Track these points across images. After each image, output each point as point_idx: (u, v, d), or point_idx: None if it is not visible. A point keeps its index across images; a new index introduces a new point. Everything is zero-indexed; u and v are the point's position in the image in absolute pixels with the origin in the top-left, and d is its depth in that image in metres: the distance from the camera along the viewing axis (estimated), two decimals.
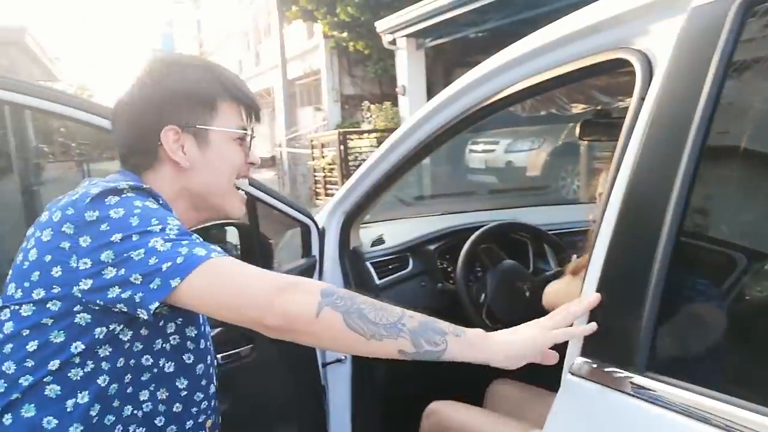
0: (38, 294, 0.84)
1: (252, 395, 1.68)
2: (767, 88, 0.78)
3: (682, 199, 0.77)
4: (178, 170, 0.97)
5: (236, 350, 1.63)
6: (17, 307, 0.85)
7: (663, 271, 0.78)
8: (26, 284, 0.85)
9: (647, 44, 0.91)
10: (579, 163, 6.92)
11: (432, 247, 2.08)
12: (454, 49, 12.30)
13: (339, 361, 1.93)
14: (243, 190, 1.03)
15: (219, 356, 1.60)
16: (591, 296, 0.86)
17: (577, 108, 1.62)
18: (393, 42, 11.14)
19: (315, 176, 11.76)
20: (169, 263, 0.79)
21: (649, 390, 0.77)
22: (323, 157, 11.37)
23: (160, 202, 0.92)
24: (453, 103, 1.35)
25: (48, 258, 0.83)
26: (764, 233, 0.77)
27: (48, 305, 0.84)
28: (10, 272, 0.89)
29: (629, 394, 0.79)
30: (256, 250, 1.76)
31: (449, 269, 2.08)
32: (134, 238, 0.81)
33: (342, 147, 10.68)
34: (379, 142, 11.00)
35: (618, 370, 0.81)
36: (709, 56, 0.76)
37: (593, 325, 0.85)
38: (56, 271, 0.83)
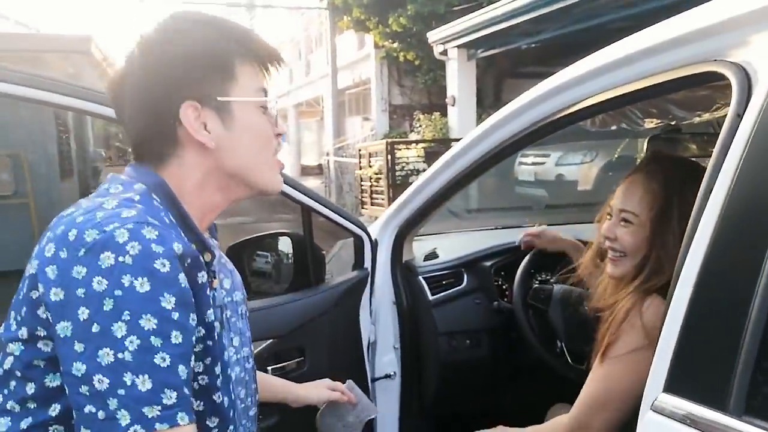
0: (23, 334, 0.75)
1: (301, 409, 1.65)
2: None
3: None
4: (203, 152, 0.84)
5: (286, 363, 1.61)
6: (12, 343, 0.76)
7: (764, 301, 0.71)
8: (18, 318, 0.76)
9: (745, 57, 0.84)
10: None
11: (488, 263, 2.01)
12: (505, 60, 12.16)
13: (388, 376, 1.89)
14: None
15: (269, 368, 1.59)
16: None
17: (651, 123, 1.53)
18: (444, 52, 11.11)
19: (361, 185, 11.79)
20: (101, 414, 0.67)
21: None
22: (370, 166, 11.39)
23: (168, 220, 0.80)
24: (519, 117, 1.30)
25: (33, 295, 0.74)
26: None
27: (39, 345, 0.74)
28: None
29: None
30: (309, 261, 1.74)
31: (505, 287, 2.01)
32: (94, 328, 0.68)
33: (389, 157, 10.67)
34: (427, 153, 11.00)
35: (710, 411, 0.74)
36: None
37: None
38: (42, 312, 0.73)
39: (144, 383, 0.67)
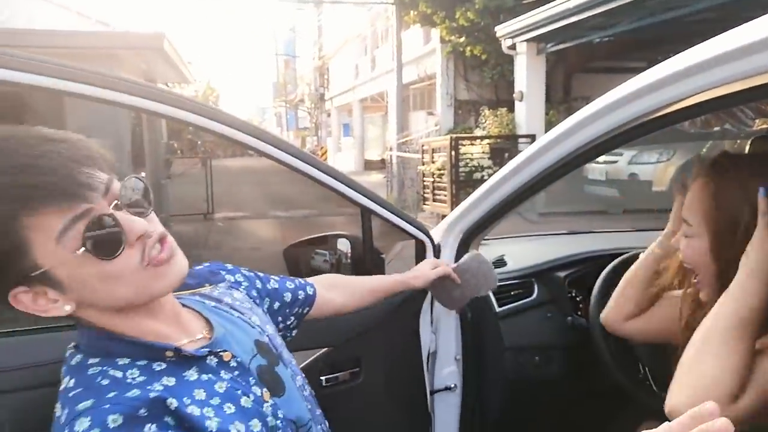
0: None
1: (354, 420, 1.58)
2: None
3: None
4: (81, 306, 0.77)
5: (341, 372, 1.54)
6: None
7: None
8: None
9: None
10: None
11: (561, 274, 1.86)
12: (576, 55, 11.73)
13: (448, 389, 1.78)
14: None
15: (326, 377, 1.52)
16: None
17: (763, 124, 1.35)
18: (512, 47, 10.82)
19: (424, 181, 11.67)
20: None
21: None
22: (433, 162, 11.25)
23: (115, 371, 0.76)
24: (605, 116, 1.15)
25: None
26: None
27: None
28: None
29: None
30: (367, 262, 1.66)
31: (579, 300, 1.85)
32: None
33: (453, 153, 10.50)
34: (492, 149, 10.75)
35: None
36: None
37: None
38: None
39: None
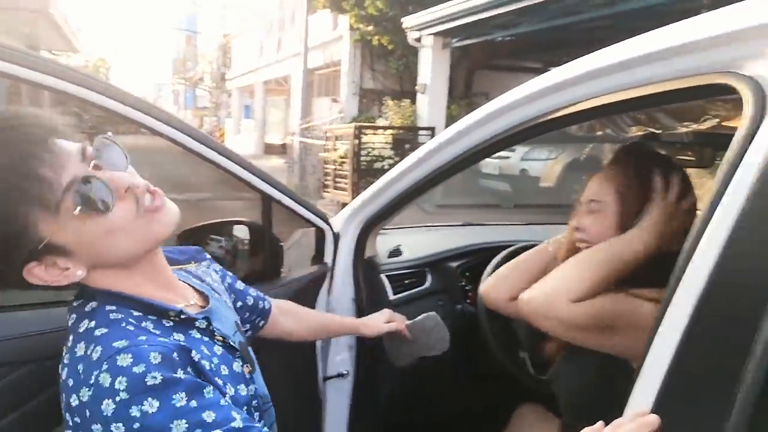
0: None
1: None
2: None
3: None
4: (89, 271, 0.82)
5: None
6: None
7: (764, 348, 0.63)
8: None
9: (760, 70, 0.76)
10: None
11: (454, 264, 1.93)
12: (479, 52, 12.12)
13: (341, 375, 1.80)
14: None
15: None
16: (645, 420, 0.72)
17: (638, 130, 1.47)
18: (418, 39, 10.98)
19: (325, 168, 11.63)
20: None
21: None
22: (336, 149, 11.23)
23: (132, 320, 0.82)
24: (504, 115, 1.20)
25: None
26: None
27: None
28: None
29: None
30: (266, 251, 1.63)
31: (468, 288, 1.94)
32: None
33: (356, 141, 10.54)
34: (394, 140, 10.89)
35: None
36: None
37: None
38: None
39: None
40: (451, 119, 11.30)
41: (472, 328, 1.79)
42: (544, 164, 9.40)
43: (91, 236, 0.79)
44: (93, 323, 0.80)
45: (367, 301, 1.78)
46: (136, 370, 0.73)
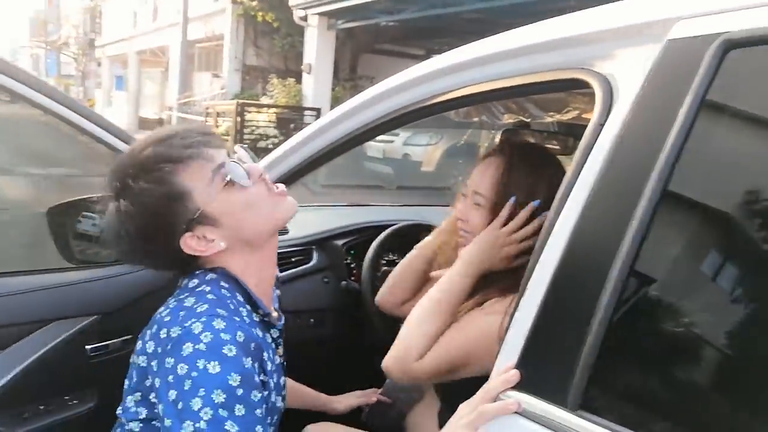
0: (142, 414, 0.98)
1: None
2: (740, 133, 0.76)
3: (638, 238, 0.74)
4: (223, 249, 1.00)
5: (111, 341, 1.45)
6: (133, 422, 1.00)
7: (609, 310, 0.74)
8: (135, 402, 0.99)
9: (610, 69, 0.87)
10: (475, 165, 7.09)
11: (340, 242, 1.98)
12: (364, 35, 12.22)
13: None
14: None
15: (94, 346, 1.43)
16: (508, 376, 0.83)
17: (510, 118, 1.59)
18: (304, 18, 10.86)
19: None
20: None
21: (580, 429, 0.74)
22: (217, 126, 10.86)
23: (235, 302, 0.98)
24: (387, 100, 1.26)
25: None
26: (715, 280, 0.75)
27: (155, 423, 0.96)
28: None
29: None
30: None
31: (353, 266, 2.00)
32: (179, 406, 0.86)
33: (239, 119, 10.26)
34: (279, 119, 10.72)
35: (551, 406, 0.77)
36: (684, 92, 0.73)
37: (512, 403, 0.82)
38: (153, 397, 0.95)
39: None
40: (335, 101, 11.33)
41: (357, 304, 1.85)
42: (424, 149, 9.73)
43: (234, 207, 0.98)
44: (208, 288, 0.98)
45: None
46: (223, 336, 0.88)
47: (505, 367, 0.85)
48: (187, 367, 0.86)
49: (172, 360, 0.88)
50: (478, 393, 0.88)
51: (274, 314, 1.10)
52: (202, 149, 0.97)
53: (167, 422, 0.86)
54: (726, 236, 0.78)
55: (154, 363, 0.92)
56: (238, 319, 0.94)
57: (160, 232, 0.96)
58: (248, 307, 1.01)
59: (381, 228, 1.93)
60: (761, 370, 0.70)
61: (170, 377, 0.87)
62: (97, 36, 26.79)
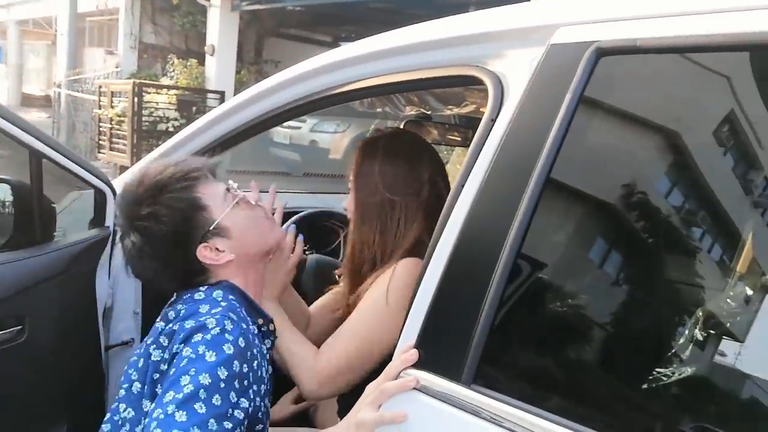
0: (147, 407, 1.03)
1: (17, 381, 1.44)
2: (611, 129, 0.85)
3: (524, 222, 0.81)
4: (231, 260, 1.13)
5: (5, 332, 1.38)
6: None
7: (498, 292, 0.82)
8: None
9: (501, 68, 0.94)
10: None
11: None
12: (269, 18, 11.95)
13: (125, 343, 1.75)
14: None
15: None
16: (408, 355, 0.89)
17: (411, 110, 1.65)
18: None
19: (100, 127, 10.55)
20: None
21: (474, 403, 0.81)
22: (113, 107, 10.23)
23: (242, 312, 1.10)
24: (291, 87, 1.28)
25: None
26: (594, 261, 0.85)
27: None
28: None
29: (455, 406, 0.81)
30: (35, 214, 1.50)
31: None
32: (172, 379, 0.97)
33: (136, 99, 9.71)
34: (180, 101, 10.27)
35: (447, 381, 0.84)
36: (563, 92, 0.81)
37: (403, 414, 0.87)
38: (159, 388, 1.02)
39: (181, 416, 0.92)
40: (240, 84, 11.03)
41: None
42: (332, 137, 9.72)
43: (242, 222, 1.13)
44: (220, 295, 1.11)
45: None
46: (227, 336, 1.00)
47: (405, 347, 0.91)
48: (190, 350, 0.98)
49: (183, 346, 1.00)
50: (382, 374, 0.93)
51: (272, 326, 1.20)
52: (208, 173, 1.15)
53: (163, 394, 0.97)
54: (603, 222, 0.88)
55: (166, 354, 1.03)
56: (245, 326, 1.06)
57: (181, 241, 1.10)
58: (249, 319, 1.11)
59: (287, 215, 1.94)
60: (636, 346, 0.80)
61: (181, 362, 0.99)
62: None
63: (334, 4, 9.14)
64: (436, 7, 8.42)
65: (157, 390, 1.03)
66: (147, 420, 0.95)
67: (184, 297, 1.14)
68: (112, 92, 10.38)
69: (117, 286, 1.71)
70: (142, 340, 1.73)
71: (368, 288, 1.26)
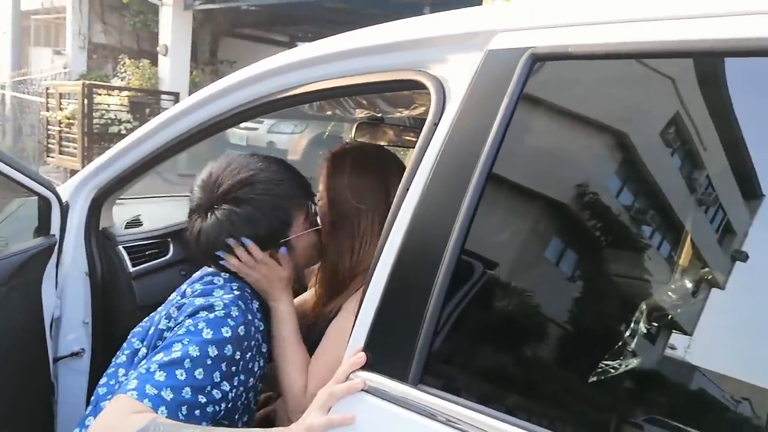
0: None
1: None
2: (546, 131, 0.88)
3: (466, 223, 0.83)
4: None
5: None
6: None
7: (442, 294, 0.83)
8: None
9: (442, 72, 0.96)
10: None
11: None
12: (224, 18, 11.78)
13: (75, 354, 1.71)
14: None
15: None
16: (355, 358, 0.90)
17: (361, 113, 1.66)
18: None
19: (48, 130, 10.21)
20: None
21: (421, 402, 0.82)
22: (61, 109, 9.91)
23: (254, 305, 1.20)
24: (240, 90, 1.27)
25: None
26: (535, 258, 0.87)
27: None
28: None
29: (403, 406, 0.83)
30: None
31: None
32: (165, 343, 1.06)
33: (86, 101, 9.43)
34: (132, 103, 10.03)
35: (394, 382, 0.85)
36: (502, 95, 0.83)
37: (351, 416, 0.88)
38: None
39: (160, 376, 0.98)
40: (194, 85, 10.84)
41: None
42: (290, 137, 9.66)
43: (308, 244, 1.27)
44: (237, 286, 1.17)
45: (102, 274, 1.70)
46: (230, 321, 1.07)
47: (353, 350, 0.92)
48: (191, 322, 1.06)
49: (191, 320, 1.06)
50: (331, 378, 0.94)
51: None
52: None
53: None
54: (543, 219, 0.91)
55: (171, 323, 1.11)
56: (250, 318, 1.12)
57: (270, 234, 1.18)
58: (259, 315, 1.18)
59: None
60: (579, 341, 0.83)
61: (179, 330, 1.05)
62: None
63: (290, 4, 9.08)
64: (392, 6, 8.49)
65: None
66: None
67: (205, 278, 1.21)
68: (60, 94, 10.06)
69: (65, 296, 1.67)
70: (93, 350, 1.71)
71: (344, 303, 1.25)
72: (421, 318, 0.84)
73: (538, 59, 0.83)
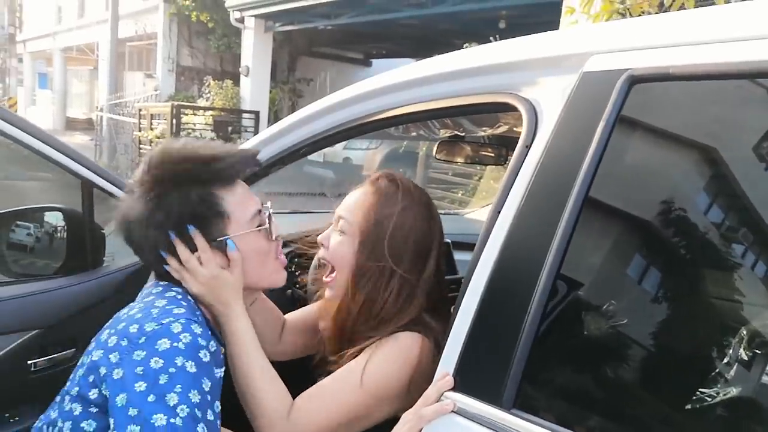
0: (75, 410, 0.94)
1: None
2: (644, 154, 0.86)
3: (563, 246, 0.82)
4: None
5: (54, 355, 1.44)
6: (66, 421, 0.95)
7: (538, 316, 0.83)
8: (69, 398, 0.95)
9: (534, 95, 0.96)
10: (415, 170, 7.25)
11: (285, 250, 2.01)
12: (302, 38, 12.18)
13: None
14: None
15: (35, 361, 1.41)
16: (443, 382, 0.90)
17: (446, 132, 1.68)
18: (241, 20, 10.72)
19: (140, 148, 10.88)
20: None
21: (513, 426, 0.81)
22: (152, 129, 10.55)
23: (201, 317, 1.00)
24: (330, 114, 1.31)
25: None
26: (632, 281, 0.85)
27: (83, 425, 0.93)
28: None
29: (494, 430, 0.83)
30: (86, 240, 1.56)
31: (297, 273, 2.03)
32: (149, 398, 0.85)
33: (174, 121, 10.01)
34: (216, 121, 10.54)
35: (486, 405, 0.85)
36: (598, 117, 0.82)
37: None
38: (94, 393, 0.92)
39: None
40: (273, 103, 11.25)
41: None
42: (365, 153, 9.81)
43: (254, 250, 1.06)
44: (180, 296, 1.00)
45: None
46: (200, 341, 0.91)
47: (441, 374, 0.92)
48: (162, 361, 0.86)
49: (144, 353, 0.87)
50: (418, 401, 0.94)
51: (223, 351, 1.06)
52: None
53: (130, 412, 0.84)
54: (640, 243, 0.89)
55: (113, 355, 0.89)
56: (210, 331, 0.97)
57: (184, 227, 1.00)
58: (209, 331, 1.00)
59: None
60: (681, 368, 0.80)
61: (139, 369, 0.86)
62: (18, 31, 25.41)
63: (364, 23, 9.27)
64: (464, 21, 8.51)
65: (90, 395, 0.91)
66: None
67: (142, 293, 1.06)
68: (151, 115, 10.72)
69: None
70: None
71: (354, 354, 1.10)
72: (516, 340, 0.83)
73: (636, 81, 0.81)
